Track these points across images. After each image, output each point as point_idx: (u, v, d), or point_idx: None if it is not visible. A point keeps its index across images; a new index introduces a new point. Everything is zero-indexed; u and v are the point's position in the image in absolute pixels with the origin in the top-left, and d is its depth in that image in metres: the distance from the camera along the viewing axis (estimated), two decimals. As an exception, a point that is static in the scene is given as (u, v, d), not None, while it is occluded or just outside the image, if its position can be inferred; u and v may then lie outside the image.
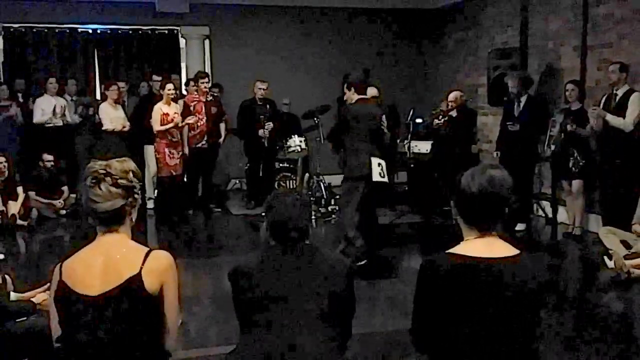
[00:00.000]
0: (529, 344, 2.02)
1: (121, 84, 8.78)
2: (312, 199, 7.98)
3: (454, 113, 7.81)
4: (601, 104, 6.45)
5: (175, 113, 7.74)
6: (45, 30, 9.72)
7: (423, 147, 8.51)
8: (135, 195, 2.16)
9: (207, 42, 10.34)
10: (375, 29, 10.77)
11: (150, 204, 8.47)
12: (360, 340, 3.65)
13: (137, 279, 2.04)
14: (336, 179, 9.01)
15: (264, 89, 8.45)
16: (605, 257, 5.55)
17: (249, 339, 2.35)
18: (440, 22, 10.58)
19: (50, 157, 8.12)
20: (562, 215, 7.42)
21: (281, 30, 10.50)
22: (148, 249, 2.13)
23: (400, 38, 10.93)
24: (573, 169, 6.66)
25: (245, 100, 8.69)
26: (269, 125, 8.40)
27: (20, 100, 8.81)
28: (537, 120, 7.08)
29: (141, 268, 2.06)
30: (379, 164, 5.41)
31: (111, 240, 2.13)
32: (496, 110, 8.30)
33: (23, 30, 9.65)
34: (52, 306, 2.15)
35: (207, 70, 9.87)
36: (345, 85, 5.78)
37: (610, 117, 6.21)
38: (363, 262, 5.50)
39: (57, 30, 9.77)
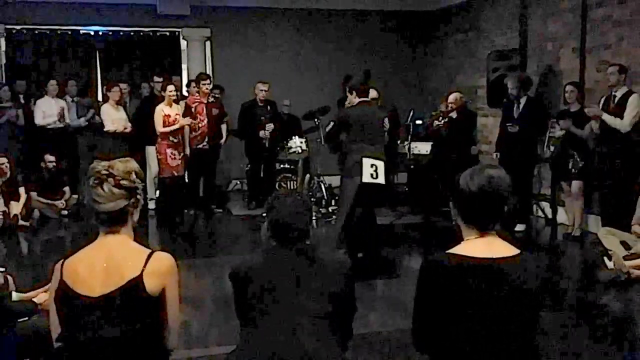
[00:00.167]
0: (528, 344, 2.03)
1: (123, 86, 8.80)
2: (312, 199, 8.00)
3: (453, 114, 7.82)
4: (600, 106, 6.46)
5: (177, 114, 7.76)
6: (47, 32, 9.75)
7: (423, 148, 8.53)
8: (138, 196, 2.16)
9: (208, 43, 10.36)
10: (374, 31, 10.78)
11: (151, 205, 8.49)
12: (360, 340, 3.67)
13: (138, 281, 2.05)
14: (337, 180, 9.03)
15: (265, 91, 8.47)
16: (605, 258, 5.55)
17: (250, 339, 2.36)
18: (440, 23, 10.59)
19: (52, 158, 8.14)
20: (562, 216, 7.43)
21: (282, 32, 10.52)
22: (150, 250, 2.14)
23: (400, 40, 10.94)
24: (572, 170, 6.67)
25: (246, 101, 8.71)
26: (270, 126, 8.42)
27: (22, 101, 8.83)
28: (537, 121, 7.09)
29: (142, 270, 2.06)
30: (372, 165, 5.35)
31: (113, 241, 2.14)
32: (496, 111, 8.31)
33: (25, 32, 9.67)
34: (52, 305, 2.15)
35: (208, 71, 9.89)
36: (347, 89, 5.79)
37: (607, 117, 6.23)
38: None
39: (58, 32, 9.79)
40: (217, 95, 8.95)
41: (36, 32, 9.70)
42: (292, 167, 8.42)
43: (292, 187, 8.22)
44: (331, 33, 10.66)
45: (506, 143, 7.27)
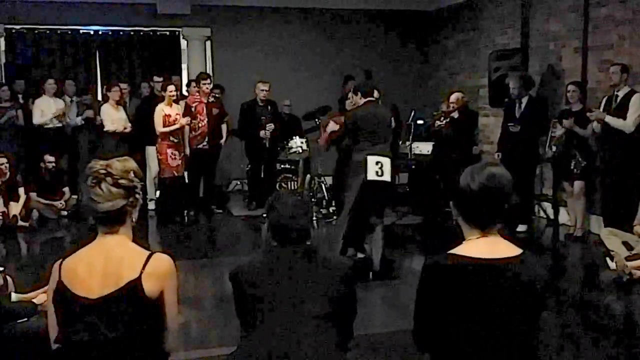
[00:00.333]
0: (529, 344, 2.02)
1: (123, 86, 8.78)
2: (313, 200, 7.99)
3: (455, 114, 7.80)
4: (602, 105, 6.45)
5: (177, 114, 7.75)
6: (47, 32, 9.74)
7: (424, 148, 8.52)
8: (137, 195, 2.14)
9: (208, 43, 10.35)
10: (376, 31, 10.77)
11: (151, 205, 8.48)
12: (361, 341, 3.65)
13: (136, 283, 2.03)
14: (337, 180, 9.01)
15: (265, 90, 8.45)
16: (607, 259, 5.54)
17: (250, 340, 2.35)
18: (441, 23, 10.58)
19: (52, 159, 8.12)
20: (564, 216, 7.41)
21: (282, 32, 10.50)
22: (148, 252, 2.12)
23: (401, 39, 10.92)
24: (574, 170, 6.66)
25: (246, 101, 8.70)
26: (270, 126, 8.41)
27: (21, 101, 8.81)
28: (538, 121, 7.08)
29: (141, 272, 2.04)
30: (378, 162, 5.33)
31: (112, 242, 2.12)
32: (497, 111, 8.29)
33: (25, 31, 9.66)
34: (50, 306, 2.14)
35: (209, 71, 9.88)
36: (352, 90, 5.75)
37: (610, 119, 6.21)
38: None
39: (58, 32, 9.78)
40: (217, 95, 8.93)
41: (36, 31, 9.69)
42: (292, 167, 8.40)
43: (292, 188, 8.21)
44: (332, 33, 10.65)
45: (508, 143, 7.25)
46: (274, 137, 8.47)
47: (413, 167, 8.49)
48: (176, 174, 7.81)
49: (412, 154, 8.46)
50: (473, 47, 9.61)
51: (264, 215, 2.59)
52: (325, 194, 8.30)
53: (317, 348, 2.28)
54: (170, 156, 7.72)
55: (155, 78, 9.02)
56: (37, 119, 8.44)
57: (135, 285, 2.03)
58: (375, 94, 6.50)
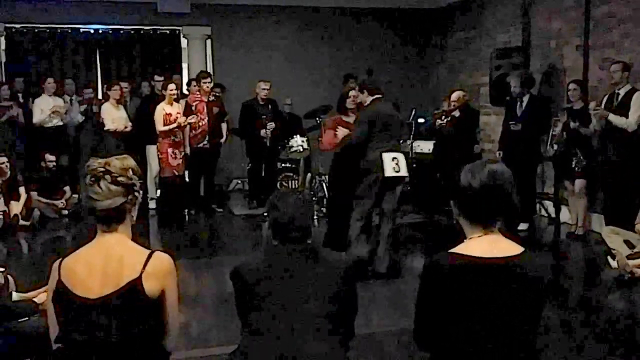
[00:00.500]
0: (530, 343, 2.01)
1: (124, 84, 8.78)
2: (314, 198, 7.98)
3: (456, 113, 7.80)
4: (603, 103, 6.44)
5: (177, 113, 7.75)
6: (47, 31, 9.73)
7: (425, 147, 8.50)
8: (136, 193, 2.13)
9: (208, 42, 10.34)
10: (377, 29, 10.76)
11: (152, 204, 8.47)
12: (362, 340, 3.65)
13: (137, 283, 2.02)
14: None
15: (266, 89, 8.45)
16: (609, 257, 5.54)
17: (251, 339, 2.35)
18: (442, 21, 10.57)
19: (52, 158, 8.13)
20: (565, 215, 7.40)
21: (283, 30, 10.49)
22: (148, 251, 2.11)
23: (402, 38, 10.91)
24: (576, 168, 6.65)
25: (246, 100, 8.69)
26: (271, 125, 8.40)
27: (21, 100, 8.82)
28: (540, 119, 7.07)
29: (141, 272, 2.03)
30: (394, 158, 5.35)
31: (111, 241, 2.11)
32: (498, 109, 8.28)
33: (25, 30, 9.66)
34: (50, 305, 2.13)
35: (209, 70, 9.87)
36: (358, 88, 5.72)
37: (613, 117, 6.20)
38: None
39: (59, 31, 9.78)
40: (217, 94, 8.93)
41: (36, 30, 9.69)
42: (293, 166, 8.40)
43: (293, 187, 8.20)
44: (333, 31, 10.64)
45: (509, 141, 7.25)
46: (275, 136, 8.47)
47: (414, 165, 8.47)
48: (177, 173, 7.81)
49: (413, 153, 8.45)
50: (474, 46, 9.60)
51: (265, 214, 2.59)
52: (326, 192, 8.28)
53: (318, 347, 2.28)
54: (171, 155, 7.72)
55: (156, 77, 9.02)
56: (36, 118, 8.44)
57: (135, 285, 2.02)
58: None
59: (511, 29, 8.65)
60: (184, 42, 10.33)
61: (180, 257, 5.44)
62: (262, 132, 8.39)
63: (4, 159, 7.48)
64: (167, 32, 10.24)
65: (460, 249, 2.03)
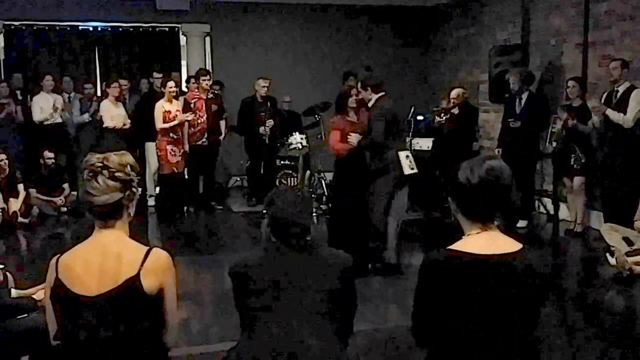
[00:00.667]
0: (529, 339, 2.01)
1: (123, 82, 8.77)
2: (313, 196, 7.98)
3: (455, 110, 7.79)
4: (602, 101, 6.44)
5: (177, 110, 7.74)
6: (46, 28, 9.72)
7: (424, 144, 8.50)
8: (133, 189, 2.12)
9: (207, 39, 10.33)
10: (376, 26, 10.75)
11: (151, 202, 8.47)
12: (361, 336, 3.65)
13: (135, 280, 2.01)
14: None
15: (266, 87, 8.44)
16: (607, 254, 5.54)
17: (250, 336, 2.35)
18: (441, 19, 10.56)
19: (51, 155, 8.12)
20: (564, 212, 7.41)
21: (282, 28, 10.48)
22: (146, 248, 2.10)
23: (402, 35, 10.90)
24: (574, 165, 6.66)
25: (245, 97, 8.68)
26: (270, 122, 8.40)
27: (19, 97, 8.80)
28: (539, 117, 7.07)
29: (139, 269, 2.03)
30: (407, 156, 5.41)
31: (109, 237, 2.10)
32: (498, 107, 8.28)
33: (24, 27, 9.64)
34: (49, 302, 2.12)
35: (208, 67, 9.86)
36: (360, 85, 5.69)
37: (610, 112, 6.20)
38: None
39: (57, 28, 9.76)
40: (216, 92, 8.92)
41: (35, 27, 9.67)
42: (292, 163, 8.40)
43: (292, 184, 8.20)
44: (332, 28, 10.63)
45: (508, 139, 7.25)
46: (274, 133, 8.46)
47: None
48: (176, 171, 7.81)
49: (412, 150, 8.44)
50: (473, 43, 9.59)
51: (264, 211, 2.59)
52: (325, 190, 8.29)
53: (318, 343, 2.28)
54: (170, 152, 7.72)
55: (155, 74, 9.00)
56: (37, 116, 8.44)
57: (134, 282, 2.01)
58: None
59: (510, 27, 8.64)
60: (183, 39, 10.31)
61: (179, 254, 5.45)
62: (261, 129, 8.39)
63: (3, 156, 7.48)
64: (166, 29, 10.22)
65: (458, 245, 2.02)
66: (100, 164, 2.06)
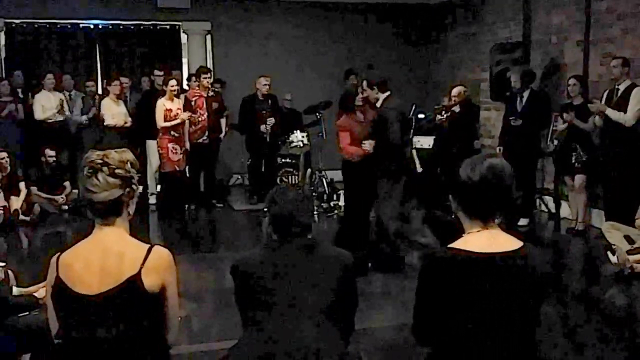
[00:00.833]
0: (530, 337, 2.02)
1: (124, 80, 8.77)
2: (314, 194, 7.99)
3: (456, 108, 7.78)
4: (603, 99, 6.43)
5: (178, 108, 7.74)
6: (47, 26, 9.71)
7: (425, 142, 8.50)
8: (133, 186, 2.12)
9: (208, 37, 10.32)
10: (377, 24, 10.73)
11: (152, 200, 8.48)
12: (362, 334, 3.65)
13: (136, 279, 2.01)
14: (338, 175, 9.00)
15: (267, 85, 8.43)
16: (609, 252, 5.53)
17: (251, 334, 2.35)
18: (442, 16, 10.54)
19: (53, 153, 8.12)
20: (565, 210, 7.40)
21: (283, 26, 10.47)
22: (147, 246, 2.09)
23: (402, 33, 10.89)
24: (576, 164, 6.65)
25: (246, 95, 8.68)
26: (271, 120, 8.40)
27: (21, 95, 8.80)
28: (540, 115, 7.06)
29: (141, 267, 2.02)
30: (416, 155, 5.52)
31: (109, 235, 2.09)
32: (499, 105, 8.27)
33: (25, 25, 9.63)
34: (49, 301, 2.12)
35: (209, 65, 9.86)
36: (367, 84, 5.68)
37: (610, 112, 6.19)
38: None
39: (58, 26, 9.76)
40: (217, 90, 8.92)
41: (36, 26, 9.66)
42: (293, 161, 8.40)
43: (293, 182, 8.20)
44: (333, 26, 10.61)
45: (509, 137, 7.24)
46: (275, 131, 8.46)
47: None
48: (177, 169, 7.81)
49: (414, 148, 8.44)
50: (474, 41, 9.58)
51: (265, 209, 2.58)
52: (326, 188, 8.29)
53: (318, 341, 2.28)
54: (171, 150, 7.72)
55: (156, 72, 8.99)
56: (38, 114, 8.44)
57: (135, 281, 2.01)
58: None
59: (511, 24, 8.63)
60: (184, 37, 10.30)
61: (180, 252, 5.44)
62: (262, 127, 8.39)
63: (4, 154, 7.48)
64: (167, 27, 10.21)
65: (458, 244, 2.02)
66: (100, 161, 2.06)
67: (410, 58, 10.92)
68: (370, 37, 10.67)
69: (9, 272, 3.66)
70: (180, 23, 10.16)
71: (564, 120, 6.64)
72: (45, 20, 9.65)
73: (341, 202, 7.94)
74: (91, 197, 2.06)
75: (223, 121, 8.80)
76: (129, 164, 2.10)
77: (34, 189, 7.88)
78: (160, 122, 7.62)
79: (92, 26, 9.94)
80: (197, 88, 8.20)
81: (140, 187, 2.19)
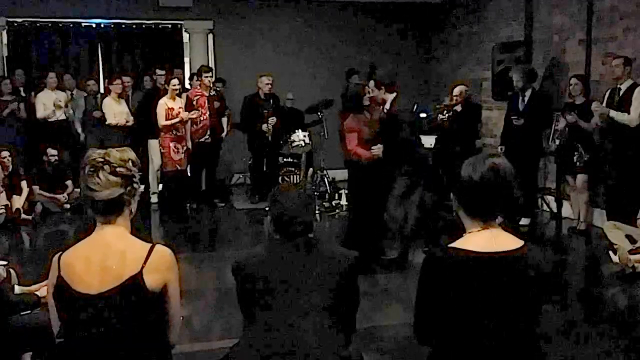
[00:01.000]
0: (530, 336, 2.02)
1: (125, 79, 8.77)
2: (316, 193, 7.99)
3: (458, 107, 7.78)
4: (605, 98, 6.42)
5: (180, 108, 7.75)
6: (49, 25, 9.72)
7: (427, 141, 8.47)
8: (134, 185, 2.12)
9: (210, 36, 10.32)
10: (379, 23, 10.73)
11: (154, 198, 8.48)
12: (363, 334, 3.66)
13: (137, 278, 2.01)
14: (340, 174, 9.01)
15: (269, 84, 8.43)
16: (610, 252, 5.53)
17: (253, 333, 2.35)
18: (444, 15, 10.54)
19: (54, 152, 8.14)
20: (567, 209, 7.40)
21: (285, 25, 10.47)
22: (149, 245, 2.09)
23: (404, 32, 10.89)
24: (577, 163, 6.64)
25: (248, 94, 8.68)
26: (272, 119, 8.40)
27: (23, 94, 8.81)
28: (542, 114, 7.05)
29: (142, 267, 2.02)
30: None
31: (111, 234, 2.10)
32: (500, 104, 8.27)
33: (27, 24, 9.65)
34: (51, 299, 2.12)
35: (211, 64, 9.86)
36: (375, 84, 5.66)
37: (614, 114, 6.18)
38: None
39: (60, 25, 9.77)
40: (219, 88, 8.92)
41: (38, 24, 9.67)
42: (295, 160, 8.40)
43: (295, 181, 8.20)
44: (335, 25, 10.61)
45: (511, 136, 7.23)
46: (276, 130, 8.46)
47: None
48: (179, 168, 7.82)
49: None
50: (476, 40, 9.57)
51: (267, 208, 2.59)
52: (328, 187, 8.29)
53: (320, 340, 2.28)
54: (173, 149, 7.72)
55: (158, 71, 9.00)
56: (40, 113, 8.46)
57: (136, 280, 2.01)
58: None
59: (513, 23, 8.62)
60: (185, 36, 10.30)
61: (182, 251, 5.47)
62: (264, 126, 8.39)
63: (6, 153, 7.49)
64: (169, 26, 10.22)
65: (459, 243, 2.02)
66: (102, 159, 2.06)
67: (412, 57, 10.92)
68: (372, 36, 10.67)
69: (11, 270, 3.67)
70: (182, 22, 10.17)
71: (567, 121, 6.61)
72: (48, 19, 9.66)
73: (343, 202, 7.97)
74: (92, 196, 2.06)
75: (225, 120, 8.81)
76: (130, 163, 2.10)
77: (35, 187, 7.90)
78: (162, 121, 7.63)
79: (94, 25, 9.95)
80: (198, 87, 8.21)
81: (142, 186, 2.20)
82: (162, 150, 7.81)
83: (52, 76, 8.66)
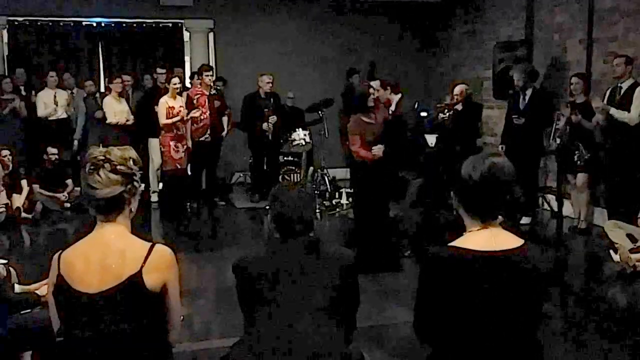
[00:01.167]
0: (531, 335, 2.02)
1: (126, 78, 8.77)
2: (316, 192, 7.99)
3: (459, 107, 7.77)
4: (606, 97, 6.42)
5: (180, 106, 7.74)
6: (50, 24, 9.72)
7: (428, 140, 8.47)
8: (135, 183, 2.12)
9: (211, 35, 10.31)
10: (380, 22, 10.72)
11: (154, 197, 8.48)
12: (364, 333, 3.65)
13: (137, 278, 2.01)
14: (340, 173, 9.01)
15: (270, 83, 8.43)
16: (611, 251, 5.53)
17: (253, 331, 2.35)
18: (445, 14, 10.52)
19: (55, 151, 8.14)
20: (568, 208, 7.39)
21: (285, 24, 10.46)
22: (149, 244, 2.09)
23: (405, 31, 10.88)
24: (578, 162, 6.63)
25: (249, 93, 8.68)
26: (273, 118, 8.39)
27: (23, 93, 8.81)
28: (542, 113, 7.04)
29: (142, 266, 2.02)
30: None
31: (110, 232, 2.09)
32: (501, 103, 8.26)
33: (28, 23, 9.64)
34: (51, 299, 2.12)
35: (211, 63, 9.85)
36: (380, 84, 5.64)
37: (614, 112, 6.18)
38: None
39: (61, 24, 9.76)
40: (219, 87, 8.91)
41: (38, 23, 9.67)
42: (295, 159, 8.40)
43: (295, 180, 8.20)
44: (335, 24, 10.60)
45: (512, 135, 7.23)
46: (277, 129, 8.45)
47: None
48: (179, 167, 7.81)
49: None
50: (477, 39, 9.56)
51: (267, 207, 2.58)
52: (328, 186, 8.28)
53: (320, 340, 2.28)
54: (174, 148, 7.72)
55: (158, 70, 9.00)
56: (41, 111, 8.46)
57: (136, 279, 2.01)
58: (378, 84, 6.47)
59: (514, 22, 8.61)
60: (186, 35, 10.30)
61: (182, 250, 5.46)
62: (264, 125, 8.38)
63: (6, 152, 7.49)
64: (170, 25, 10.21)
65: (459, 242, 2.02)
66: (102, 158, 2.06)
67: (413, 56, 10.91)
68: (373, 35, 10.66)
69: (11, 269, 3.67)
70: (182, 21, 10.16)
71: (572, 121, 6.59)
72: (48, 18, 9.65)
73: (343, 200, 7.97)
74: (93, 194, 2.06)
75: (225, 119, 8.80)
76: (131, 161, 2.10)
77: (35, 186, 7.90)
78: (163, 120, 7.62)
79: (94, 24, 9.94)
80: (199, 86, 8.20)
81: (143, 185, 2.19)
82: (162, 149, 7.80)
83: (52, 75, 8.67)
